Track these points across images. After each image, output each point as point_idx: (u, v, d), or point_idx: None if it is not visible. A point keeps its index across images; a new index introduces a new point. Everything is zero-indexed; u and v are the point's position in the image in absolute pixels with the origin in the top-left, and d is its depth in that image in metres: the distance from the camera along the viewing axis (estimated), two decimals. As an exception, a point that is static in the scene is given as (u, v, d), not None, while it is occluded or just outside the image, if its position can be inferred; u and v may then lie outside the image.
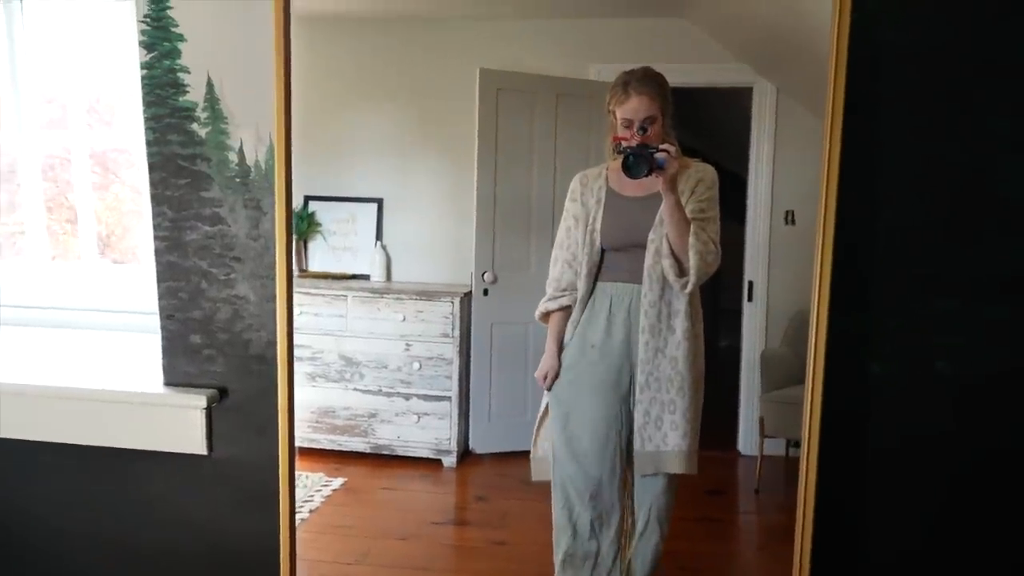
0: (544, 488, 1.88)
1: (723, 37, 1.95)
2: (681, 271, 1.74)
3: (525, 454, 1.93)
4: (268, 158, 1.67)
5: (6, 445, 1.88)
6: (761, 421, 2.02)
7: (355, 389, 2.16)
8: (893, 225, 1.53)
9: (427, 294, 2.13)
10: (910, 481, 1.59)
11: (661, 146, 1.69)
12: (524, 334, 1.92)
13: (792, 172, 1.97)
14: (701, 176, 1.79)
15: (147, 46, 1.68)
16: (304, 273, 2.16)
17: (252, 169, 1.69)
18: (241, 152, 1.70)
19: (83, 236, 2.32)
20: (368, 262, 2.17)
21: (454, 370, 2.13)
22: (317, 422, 2.16)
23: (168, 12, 1.67)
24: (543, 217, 2.01)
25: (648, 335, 1.77)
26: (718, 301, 2.08)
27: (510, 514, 2.09)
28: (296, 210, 2.01)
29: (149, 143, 1.72)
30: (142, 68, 1.69)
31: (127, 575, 1.92)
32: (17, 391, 1.85)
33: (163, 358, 1.81)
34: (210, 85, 1.68)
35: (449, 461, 2.16)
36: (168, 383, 1.81)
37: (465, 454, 2.17)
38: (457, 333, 2.12)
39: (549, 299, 1.87)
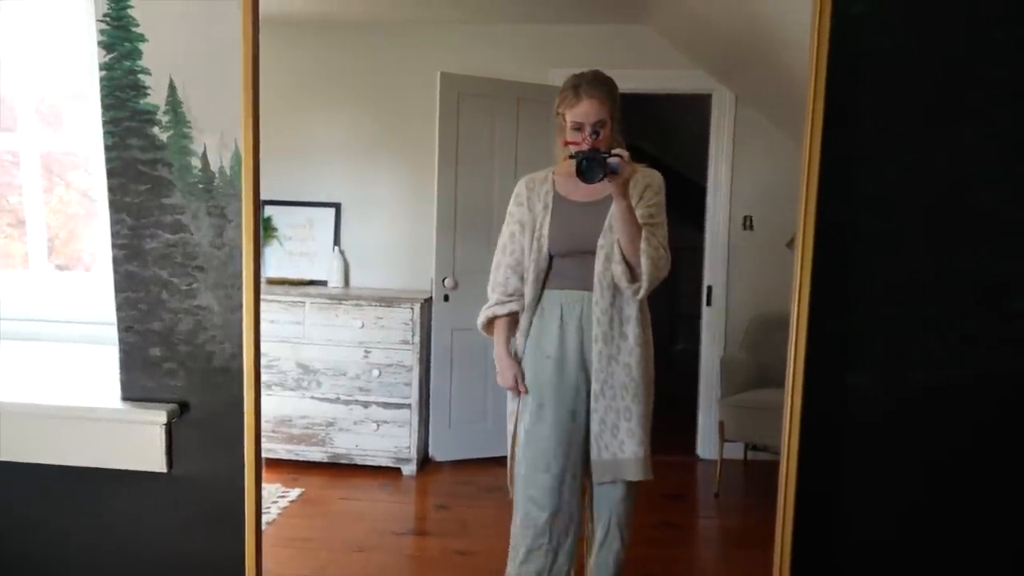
0: (503, 495, 1.86)
1: (683, 44, 1.97)
2: (633, 277, 1.73)
3: (486, 461, 1.91)
4: (233, 164, 1.63)
5: (-49, 465, 1.79)
6: (721, 425, 2.04)
7: (312, 397, 2.12)
8: (871, 232, 1.54)
9: (386, 300, 2.10)
10: (889, 487, 1.61)
11: (614, 150, 1.67)
12: (485, 341, 1.90)
13: (750, 178, 2.01)
14: (649, 181, 1.78)
15: (106, 46, 1.63)
16: (260, 279, 2.12)
17: (216, 175, 1.64)
18: (205, 157, 1.65)
19: (32, 242, 2.23)
20: (326, 268, 2.14)
21: (414, 377, 2.11)
22: (273, 431, 2.11)
23: (129, 11, 1.61)
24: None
25: (601, 343, 1.76)
26: (676, 306, 2.10)
27: (471, 523, 2.06)
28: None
29: (108, 147, 1.67)
30: (101, 69, 1.63)
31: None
32: (-40, 408, 1.76)
33: (121, 372, 1.74)
34: (172, 88, 1.63)
35: (409, 469, 2.13)
36: (126, 398, 1.74)
37: (425, 462, 2.14)
38: (417, 339, 2.09)
39: (496, 304, 1.84)
